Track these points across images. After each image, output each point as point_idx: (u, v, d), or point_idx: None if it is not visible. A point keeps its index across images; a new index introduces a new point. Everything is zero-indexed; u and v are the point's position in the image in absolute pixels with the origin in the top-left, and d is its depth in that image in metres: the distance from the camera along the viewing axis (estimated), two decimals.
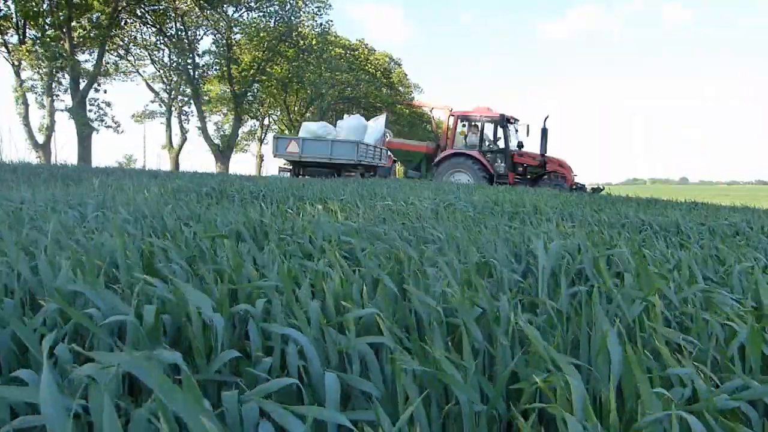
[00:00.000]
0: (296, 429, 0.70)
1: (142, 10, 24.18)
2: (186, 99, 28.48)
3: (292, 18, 26.98)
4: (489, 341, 1.11)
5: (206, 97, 30.03)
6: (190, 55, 26.18)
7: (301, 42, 27.77)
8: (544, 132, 13.25)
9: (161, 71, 28.03)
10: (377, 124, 14.96)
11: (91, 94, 22.34)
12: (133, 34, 26.15)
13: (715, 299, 1.35)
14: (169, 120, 28.62)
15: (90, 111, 22.32)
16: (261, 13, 26.97)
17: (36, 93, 21.65)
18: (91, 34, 21.84)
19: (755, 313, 1.26)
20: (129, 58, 27.38)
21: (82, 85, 21.49)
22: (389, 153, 15.91)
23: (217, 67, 27.68)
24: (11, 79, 20.18)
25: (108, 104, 23.53)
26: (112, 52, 25.72)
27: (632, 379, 0.87)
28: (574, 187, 12.88)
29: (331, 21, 33.72)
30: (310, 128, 13.12)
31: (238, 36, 27.37)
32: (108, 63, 25.90)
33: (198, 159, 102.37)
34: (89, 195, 3.65)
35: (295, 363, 0.94)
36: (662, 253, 2.13)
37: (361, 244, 1.87)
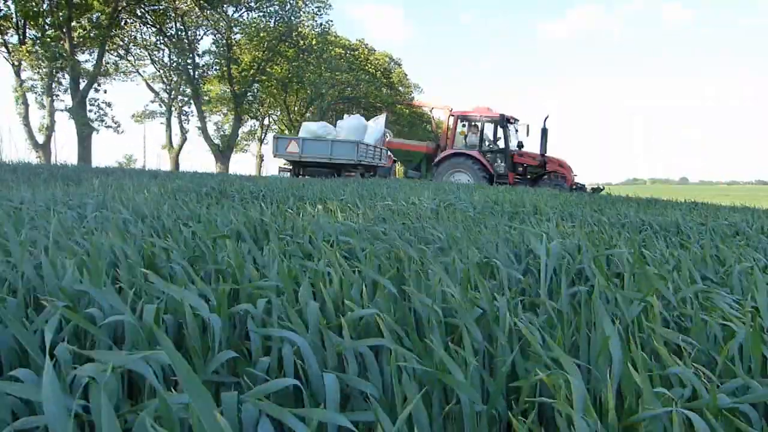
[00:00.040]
0: (299, 430, 0.70)
1: (142, 10, 24.18)
2: (186, 99, 28.49)
3: (292, 18, 26.98)
4: (489, 341, 1.12)
5: (206, 97, 30.03)
6: (190, 55, 26.17)
7: (301, 42, 27.77)
8: (544, 132, 13.25)
9: (161, 71, 28.04)
10: (377, 124, 14.96)
11: (91, 94, 22.35)
12: (133, 34, 26.16)
13: (714, 299, 1.35)
14: (169, 120, 28.63)
15: (90, 111, 22.33)
16: (261, 13, 26.99)
17: (36, 93, 21.66)
18: (91, 34, 21.84)
19: (755, 314, 1.26)
20: (129, 58, 27.40)
21: (82, 85, 21.49)
22: (389, 153, 15.91)
23: (217, 67, 27.68)
24: (11, 79, 20.21)
25: (108, 104, 23.56)
26: (112, 52, 25.73)
27: (632, 380, 0.87)
28: (574, 187, 12.88)
29: (331, 21, 33.78)
30: (310, 128, 13.12)
31: (238, 36, 27.38)
32: (108, 63, 25.90)
33: (198, 159, 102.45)
34: (89, 195, 3.65)
35: (291, 364, 0.94)
36: (662, 253, 2.13)
37: (360, 244, 1.87)
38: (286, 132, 31.33)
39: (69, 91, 21.34)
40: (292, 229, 2.30)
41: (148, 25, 25.48)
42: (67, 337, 1.02)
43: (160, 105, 29.60)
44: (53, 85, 20.99)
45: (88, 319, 1.04)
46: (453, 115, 14.21)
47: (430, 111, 17.99)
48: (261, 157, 36.74)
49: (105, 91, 29.30)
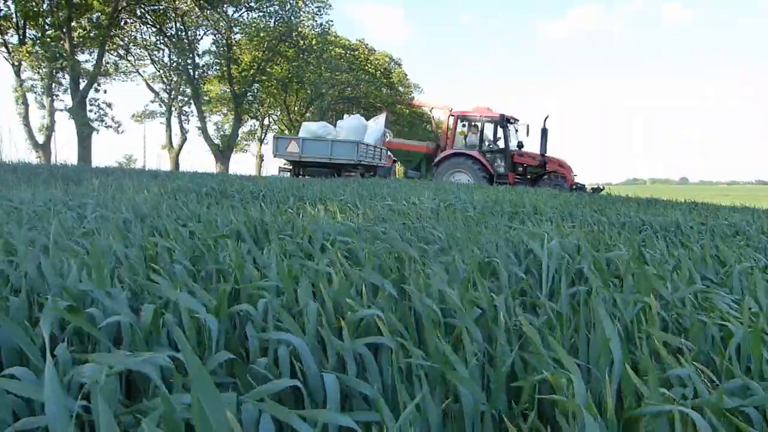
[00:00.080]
0: (303, 430, 0.70)
1: (142, 10, 24.18)
2: (186, 99, 28.49)
3: (292, 18, 26.97)
4: (489, 342, 1.12)
5: (206, 97, 30.03)
6: (190, 55, 26.17)
7: (301, 42, 27.76)
8: (544, 132, 13.25)
9: (161, 71, 28.04)
10: (377, 124, 14.95)
11: (91, 94, 22.35)
12: (133, 34, 26.16)
13: (713, 300, 1.35)
14: (169, 120, 28.64)
15: (90, 111, 22.33)
16: (261, 13, 26.98)
17: (36, 93, 21.67)
18: (91, 34, 21.84)
19: (754, 315, 1.26)
20: (129, 58, 27.40)
21: (82, 85, 21.48)
22: (389, 153, 15.91)
23: (217, 67, 27.68)
24: (11, 79, 20.21)
25: (109, 105, 23.56)
26: (112, 52, 25.73)
27: (631, 380, 0.87)
28: (574, 187, 12.88)
29: (331, 21, 33.72)
30: (310, 128, 13.12)
31: (238, 36, 27.37)
32: (108, 63, 25.91)
33: (198, 159, 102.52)
34: (89, 195, 3.65)
35: (287, 365, 0.94)
36: (662, 253, 2.13)
37: (360, 244, 1.87)
38: (286, 132, 31.33)
39: (69, 91, 21.34)
40: (293, 229, 2.31)
41: (148, 25, 25.49)
42: (69, 337, 1.03)
43: (160, 105, 29.64)
44: (53, 85, 20.99)
45: (90, 319, 1.04)
46: (453, 115, 14.21)
47: (430, 111, 17.99)
48: (261, 157, 36.75)
49: (105, 91, 29.38)
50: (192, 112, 28.75)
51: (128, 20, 24.64)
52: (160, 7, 24.19)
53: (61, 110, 21.33)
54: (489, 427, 0.87)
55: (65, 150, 50.35)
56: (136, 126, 58.61)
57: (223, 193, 4.55)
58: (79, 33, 21.48)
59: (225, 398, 0.77)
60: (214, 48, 27.27)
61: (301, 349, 0.94)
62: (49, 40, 19.49)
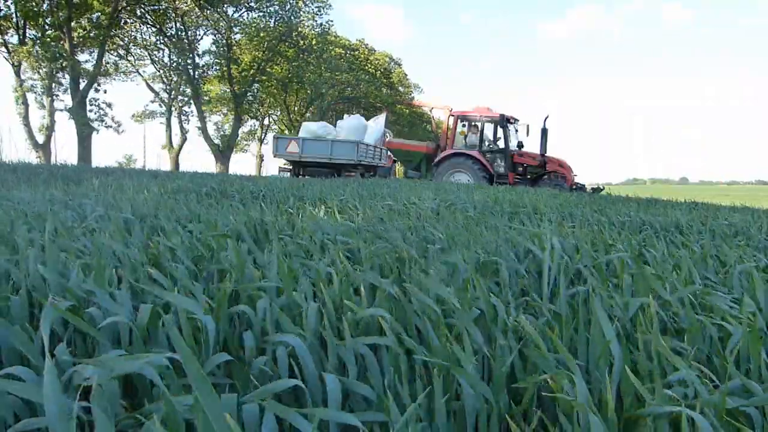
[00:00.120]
0: (305, 429, 0.70)
1: (142, 10, 24.18)
2: (186, 99, 28.50)
3: (292, 18, 26.97)
4: (488, 342, 1.12)
5: (206, 97, 30.03)
6: (190, 55, 26.17)
7: (301, 42, 27.76)
8: (544, 132, 13.25)
9: (161, 71, 28.04)
10: (377, 124, 14.95)
11: (92, 94, 22.36)
12: (133, 34, 26.18)
13: (712, 300, 1.35)
14: (169, 120, 28.64)
15: (90, 111, 22.33)
16: (261, 13, 26.98)
17: (36, 93, 21.67)
18: (91, 34, 21.84)
19: (753, 315, 1.26)
20: (129, 58, 27.41)
21: (82, 85, 21.49)
22: (389, 153, 15.91)
23: (217, 67, 27.68)
24: (11, 79, 20.22)
25: (109, 105, 23.56)
26: (112, 52, 25.73)
27: (631, 381, 0.87)
28: (574, 187, 12.88)
29: (331, 21, 33.76)
30: (310, 128, 13.12)
31: (238, 36, 27.37)
32: (108, 63, 25.91)
33: (198, 159, 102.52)
34: (89, 195, 3.65)
35: (285, 366, 0.94)
36: (662, 252, 2.13)
37: (360, 244, 1.87)
38: (286, 132, 31.33)
39: (69, 91, 21.34)
40: (293, 229, 2.31)
41: (148, 25, 25.49)
42: (71, 336, 1.03)
43: (160, 105, 29.64)
44: (53, 85, 20.99)
45: (90, 319, 1.04)
46: (453, 115, 14.21)
47: (430, 111, 17.99)
48: (261, 157, 36.75)
49: (105, 91, 29.38)
50: (192, 112, 28.79)
51: (128, 20, 24.64)
52: (160, 7, 24.20)
53: (61, 110, 21.36)
54: (494, 425, 0.87)
55: (65, 150, 50.42)
56: (136, 126, 58.63)
57: (223, 193, 4.55)
58: (79, 33, 21.49)
59: (225, 399, 0.77)
60: (214, 48, 27.30)
61: (300, 349, 0.94)
62: (49, 40, 19.49)
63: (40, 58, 19.35)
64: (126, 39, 25.99)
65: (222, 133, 33.10)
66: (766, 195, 29.33)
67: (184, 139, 28.95)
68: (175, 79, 27.80)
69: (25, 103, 20.48)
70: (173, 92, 28.41)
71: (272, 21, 27.09)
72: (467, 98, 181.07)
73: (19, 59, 19.55)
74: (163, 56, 27.57)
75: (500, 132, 13.92)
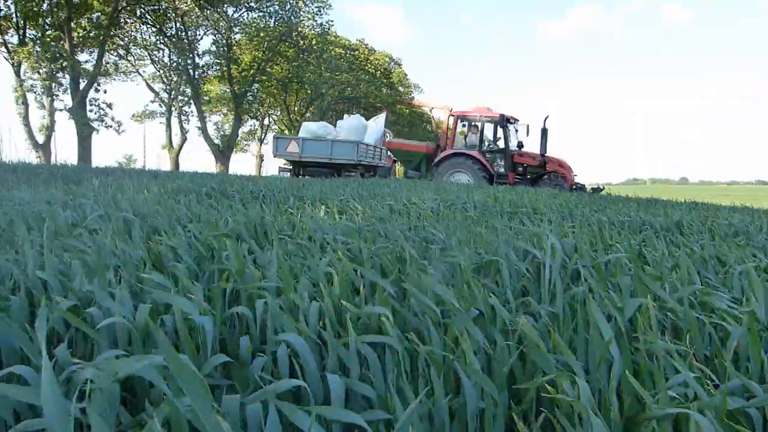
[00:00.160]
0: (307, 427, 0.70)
1: (142, 10, 24.18)
2: (186, 99, 28.49)
3: (292, 18, 26.96)
4: (489, 342, 1.12)
5: (206, 97, 30.02)
6: (190, 55, 26.17)
7: (301, 42, 27.76)
8: (544, 132, 13.25)
9: (161, 71, 28.04)
10: (377, 124, 14.95)
11: (92, 94, 22.35)
12: (133, 34, 26.17)
13: (711, 300, 1.35)
14: (169, 120, 28.64)
15: (90, 111, 22.33)
16: (261, 13, 26.97)
17: (36, 93, 21.65)
18: (91, 34, 21.84)
19: (752, 315, 1.26)
20: (129, 58, 27.41)
21: (82, 85, 21.48)
22: (389, 153, 15.91)
23: (217, 67, 27.68)
24: (11, 79, 20.22)
25: (109, 105, 23.52)
26: (112, 52, 25.73)
27: (631, 383, 0.87)
28: (574, 187, 12.88)
29: (331, 21, 33.75)
30: (310, 128, 13.12)
31: (238, 36, 27.37)
32: (108, 63, 25.91)
33: (198, 159, 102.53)
34: (88, 195, 3.65)
35: (286, 366, 0.94)
36: (662, 252, 2.13)
37: (360, 244, 1.87)
38: (286, 132, 31.33)
39: (69, 91, 21.33)
40: (293, 229, 2.31)
41: (148, 25, 25.49)
42: (73, 336, 1.02)
43: (160, 105, 29.64)
44: (53, 85, 20.98)
45: (90, 319, 1.04)
46: (453, 115, 14.22)
47: (430, 111, 18.00)
48: (261, 157, 36.75)
49: (105, 91, 29.38)
50: (192, 112, 28.79)
51: (128, 20, 24.64)
52: (160, 7, 24.20)
53: (61, 110, 21.36)
54: (500, 425, 0.87)
55: (65, 150, 50.46)
56: (136, 126, 58.65)
57: (223, 193, 4.55)
58: (79, 33, 21.48)
59: (228, 401, 0.77)
60: (214, 48, 27.29)
61: (301, 349, 0.94)
62: (49, 40, 19.50)
63: (40, 58, 19.35)
64: (126, 39, 26.00)
65: (222, 133, 33.12)
66: (766, 195, 29.34)
67: (184, 139, 28.96)
68: (175, 79, 27.80)
69: (25, 103, 20.48)
70: (173, 92, 28.41)
71: (272, 21, 27.09)
72: (467, 98, 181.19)
73: (19, 59, 19.55)
74: (163, 56, 27.61)
75: (500, 132, 13.92)
